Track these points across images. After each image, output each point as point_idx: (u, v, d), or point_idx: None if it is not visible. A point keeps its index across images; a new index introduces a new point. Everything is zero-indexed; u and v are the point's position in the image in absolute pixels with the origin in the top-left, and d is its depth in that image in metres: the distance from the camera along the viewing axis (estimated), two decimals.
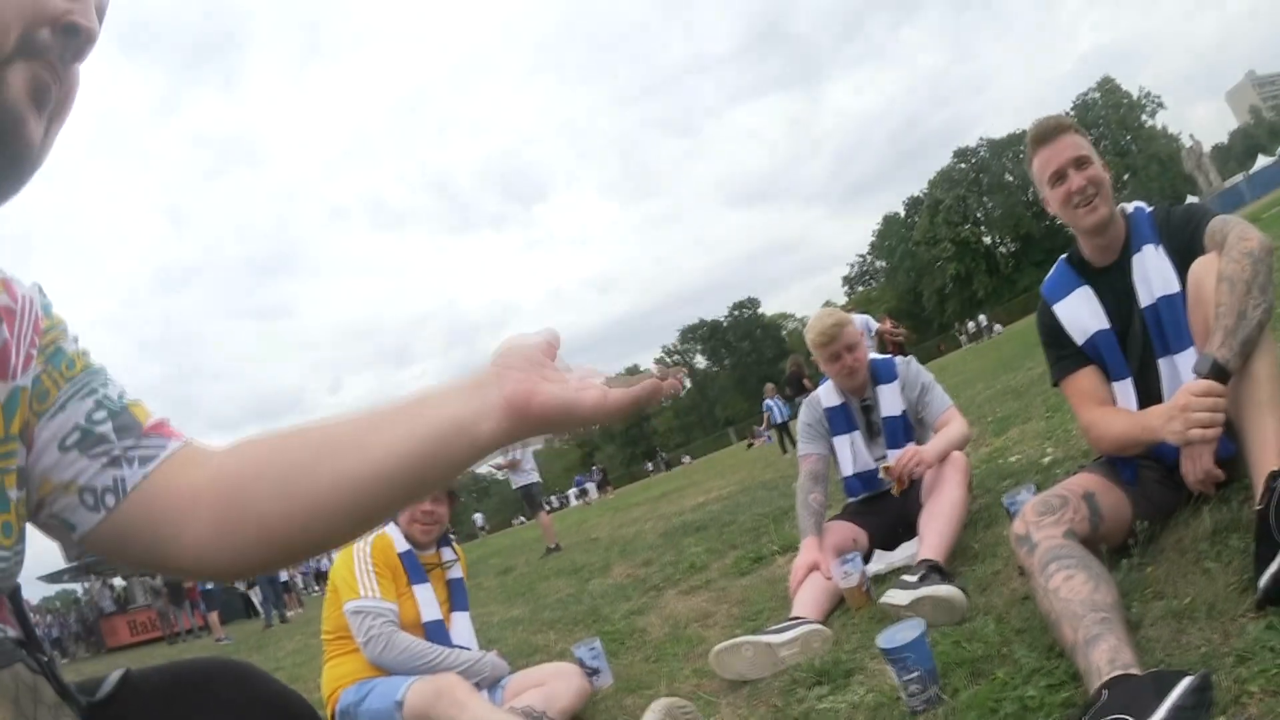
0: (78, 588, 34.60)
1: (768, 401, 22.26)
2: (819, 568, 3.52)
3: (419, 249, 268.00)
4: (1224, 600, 2.12)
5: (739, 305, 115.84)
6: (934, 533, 3.33)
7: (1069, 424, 5.24)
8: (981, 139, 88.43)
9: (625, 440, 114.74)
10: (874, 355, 4.17)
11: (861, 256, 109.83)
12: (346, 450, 0.90)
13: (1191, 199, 60.47)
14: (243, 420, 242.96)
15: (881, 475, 3.74)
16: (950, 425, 3.86)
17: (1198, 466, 2.33)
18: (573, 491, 63.68)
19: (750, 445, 40.22)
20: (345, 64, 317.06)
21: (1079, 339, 2.83)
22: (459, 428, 0.88)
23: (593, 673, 3.59)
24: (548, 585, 8.16)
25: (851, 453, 4.06)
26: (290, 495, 0.90)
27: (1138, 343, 2.75)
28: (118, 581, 28.31)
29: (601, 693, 3.57)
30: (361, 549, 3.40)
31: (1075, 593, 2.05)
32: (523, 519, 26.33)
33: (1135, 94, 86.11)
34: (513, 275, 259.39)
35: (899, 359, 4.16)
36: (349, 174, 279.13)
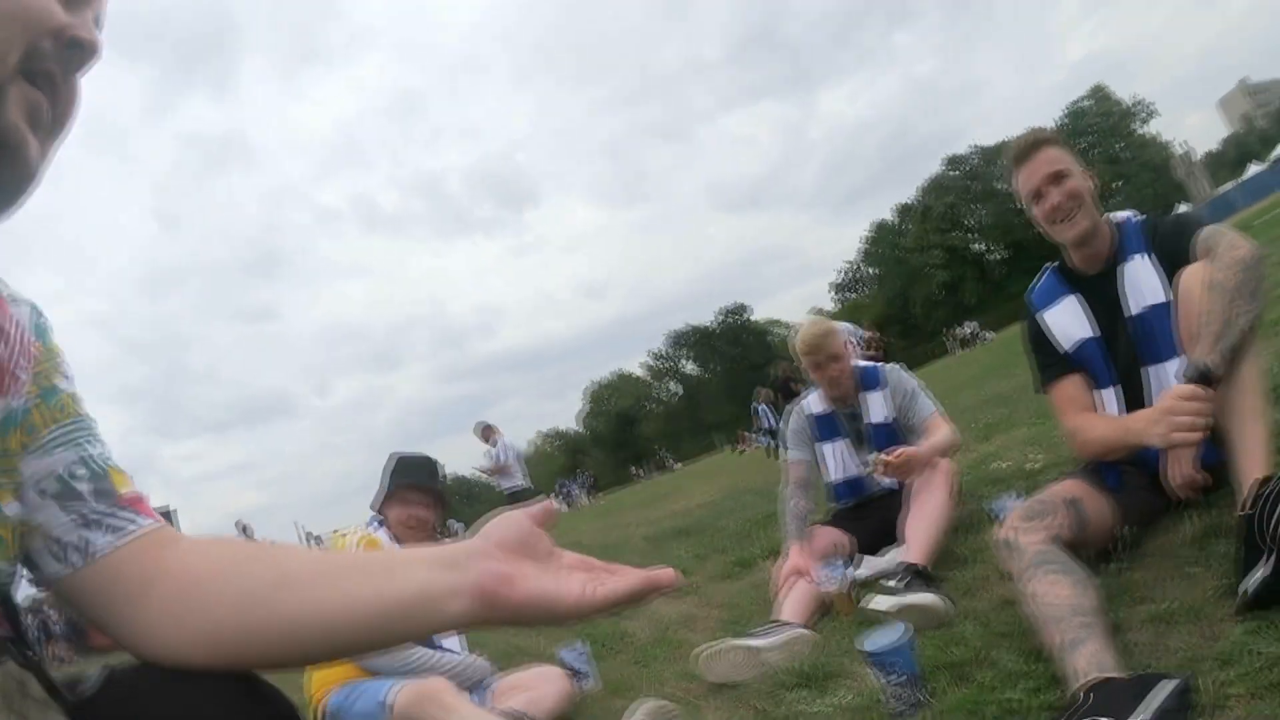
0: None
1: (759, 405, 22.33)
2: (803, 573, 3.54)
3: (409, 252, 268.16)
4: (1207, 604, 2.14)
5: (728, 311, 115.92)
6: (918, 538, 3.35)
7: (1055, 431, 5.25)
8: (973, 146, 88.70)
9: (613, 445, 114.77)
10: (860, 362, 4.20)
11: (851, 263, 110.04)
12: (311, 590, 0.90)
13: (1183, 206, 60.82)
14: (231, 423, 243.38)
15: (871, 462, 3.70)
16: (937, 432, 3.88)
17: (1180, 470, 2.33)
18: (559, 496, 63.66)
19: (741, 451, 40.21)
20: (338, 66, 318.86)
21: (1065, 346, 2.86)
22: (426, 600, 0.87)
23: (578, 675, 3.60)
24: None
25: (838, 460, 4.09)
26: (247, 614, 0.90)
27: (1124, 351, 2.77)
28: None
29: (587, 696, 3.58)
30: (350, 547, 3.40)
31: (1058, 597, 2.07)
32: None
33: (1127, 102, 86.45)
34: (503, 279, 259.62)
35: (885, 365, 4.20)
36: (340, 177, 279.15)
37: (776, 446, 19.64)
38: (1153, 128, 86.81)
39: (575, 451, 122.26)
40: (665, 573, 0.89)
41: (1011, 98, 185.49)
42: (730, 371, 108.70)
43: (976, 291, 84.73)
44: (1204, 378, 2.22)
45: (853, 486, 4.05)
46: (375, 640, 0.92)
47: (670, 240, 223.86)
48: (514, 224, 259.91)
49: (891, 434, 3.99)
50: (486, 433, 13.46)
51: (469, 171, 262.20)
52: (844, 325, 12.72)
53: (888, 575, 3.24)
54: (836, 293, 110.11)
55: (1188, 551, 2.49)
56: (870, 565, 3.78)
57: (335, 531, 4.05)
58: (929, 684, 2.32)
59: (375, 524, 3.56)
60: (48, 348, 0.99)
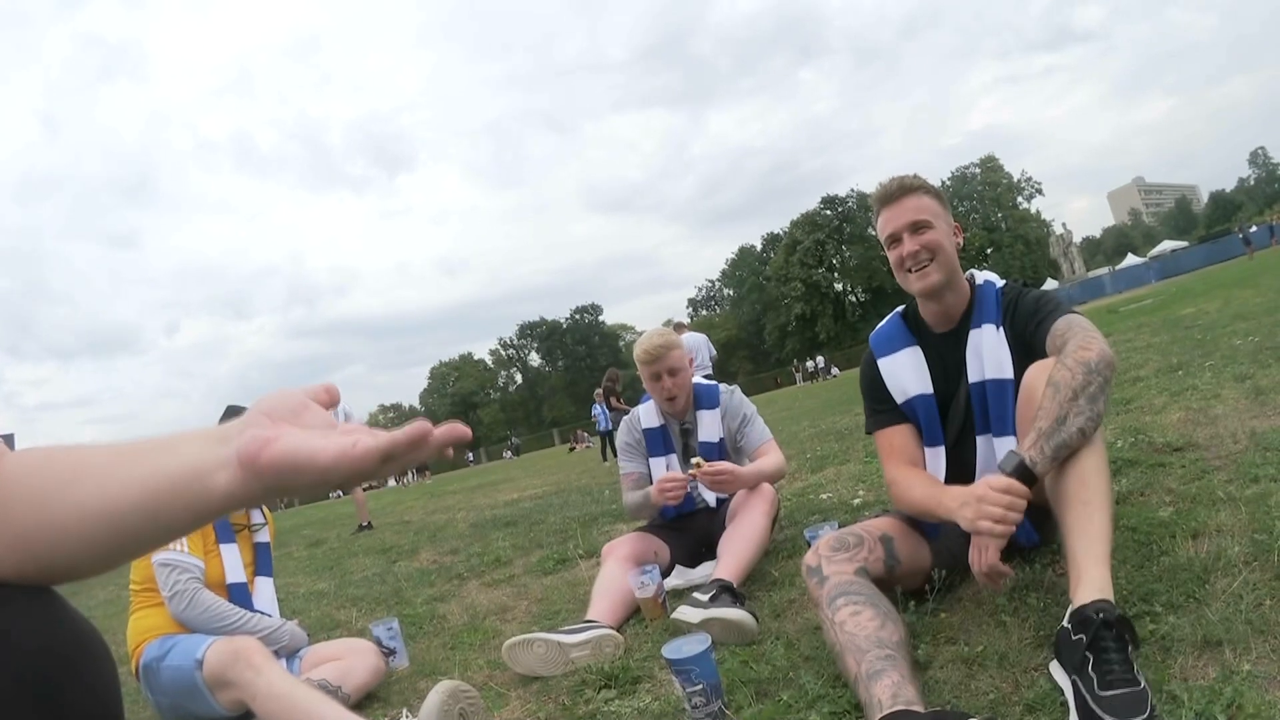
0: None
1: (596, 407, 22.40)
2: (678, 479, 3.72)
3: (276, 199, 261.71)
4: (1016, 652, 2.20)
5: (581, 309, 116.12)
6: (732, 555, 3.42)
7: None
8: (852, 190, 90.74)
9: None
10: (699, 380, 4.25)
11: (710, 282, 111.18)
12: (93, 479, 0.85)
13: (1052, 282, 63.17)
14: (78, 351, 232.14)
15: (693, 463, 3.77)
16: (766, 457, 3.97)
17: (983, 559, 2.20)
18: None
19: (572, 449, 40.26)
20: None
21: (898, 398, 2.80)
22: (195, 475, 0.82)
23: (389, 653, 3.60)
24: (355, 562, 8.09)
25: (665, 474, 4.11)
26: (46, 510, 0.85)
27: (959, 414, 2.73)
28: None
29: (396, 674, 3.59)
30: None
31: (861, 628, 2.10)
32: (339, 493, 25.87)
33: (1016, 176, 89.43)
34: (364, 242, 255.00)
35: (724, 387, 4.24)
36: (226, 107, 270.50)
37: (605, 447, 19.74)
38: (1036, 205, 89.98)
39: None
40: (450, 427, 0.82)
41: (902, 152, 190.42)
42: (574, 369, 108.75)
43: (831, 328, 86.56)
44: (1022, 472, 2.16)
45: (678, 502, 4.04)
46: (157, 523, 0.84)
47: (536, 230, 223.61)
48: (385, 187, 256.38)
49: (721, 454, 4.05)
50: None
51: (351, 125, 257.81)
52: (700, 337, 12.89)
53: (698, 587, 3.29)
54: (692, 308, 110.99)
55: (1002, 600, 2.50)
56: (684, 576, 3.86)
57: None
58: (730, 698, 2.37)
59: None
60: None
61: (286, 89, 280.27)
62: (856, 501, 4.98)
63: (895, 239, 2.70)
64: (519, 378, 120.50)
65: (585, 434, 35.91)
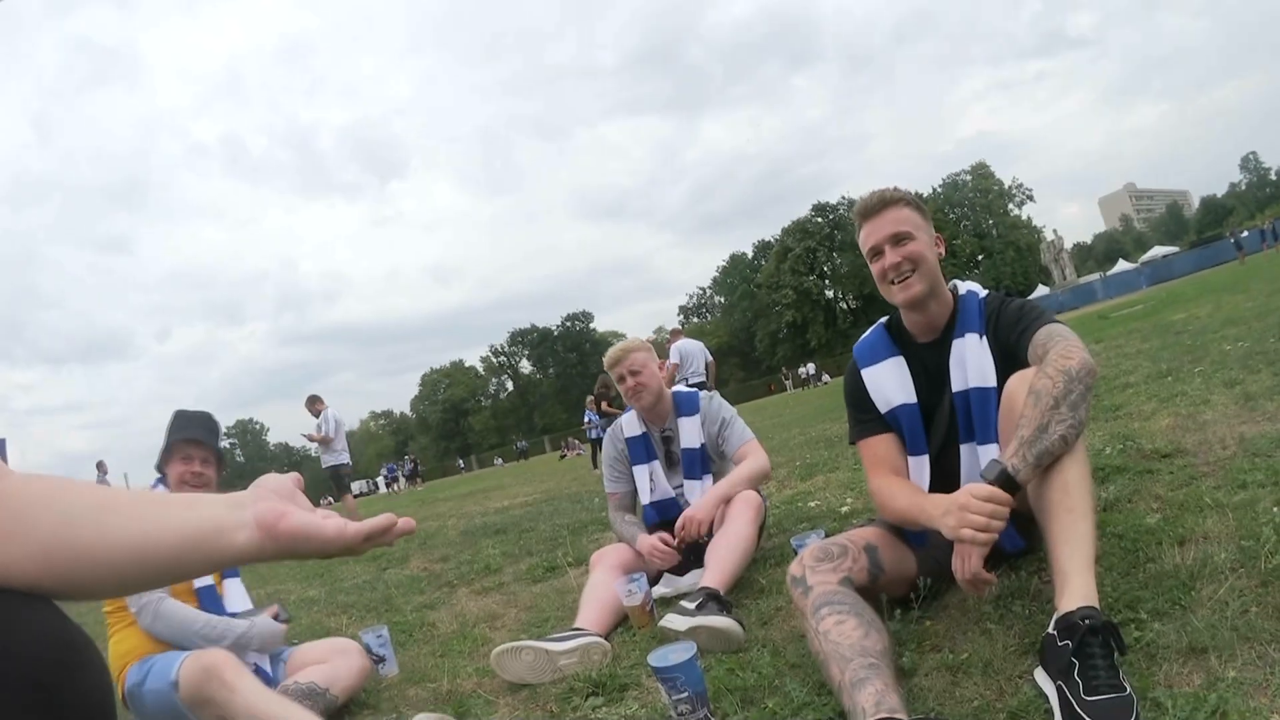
0: None
1: (589, 414, 22.41)
2: (663, 545, 3.76)
3: (268, 204, 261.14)
4: (1001, 660, 2.21)
5: (572, 317, 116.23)
6: (718, 563, 3.44)
7: None
8: (844, 198, 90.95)
9: (441, 434, 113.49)
10: (679, 388, 4.30)
11: (702, 289, 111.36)
12: (127, 514, 0.97)
13: (1043, 288, 63.34)
14: (69, 357, 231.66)
15: (675, 546, 3.82)
16: (749, 459, 3.99)
17: (966, 566, 2.21)
18: (382, 478, 62.74)
19: (563, 456, 40.26)
20: None
21: (882, 408, 2.81)
22: (218, 530, 0.99)
23: (378, 660, 3.60)
24: (346, 569, 8.07)
25: (650, 482, 4.16)
26: (75, 532, 0.94)
27: (943, 423, 2.74)
28: None
29: (386, 681, 3.59)
30: None
31: (845, 637, 2.11)
32: (330, 499, 25.91)
33: (1007, 183, 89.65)
34: (355, 249, 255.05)
35: (702, 393, 4.27)
36: (217, 112, 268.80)
37: (595, 454, 19.78)
38: (1027, 211, 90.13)
39: (403, 435, 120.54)
40: (406, 520, 1.09)
41: (894, 158, 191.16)
42: (565, 376, 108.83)
43: (822, 335, 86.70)
44: (1005, 480, 2.18)
45: (662, 510, 4.10)
46: (180, 564, 1.00)
47: (527, 237, 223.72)
48: (376, 193, 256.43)
49: (703, 459, 4.10)
50: (313, 404, 13.47)
51: (342, 130, 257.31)
52: (695, 345, 12.89)
53: (686, 596, 3.30)
54: (683, 315, 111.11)
55: (987, 608, 2.52)
56: (671, 584, 3.89)
57: None
58: (716, 705, 2.38)
59: (156, 484, 3.48)
60: None
61: (277, 94, 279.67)
62: (844, 509, 5.00)
63: (877, 251, 2.72)
64: (510, 385, 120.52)
65: (576, 441, 35.92)
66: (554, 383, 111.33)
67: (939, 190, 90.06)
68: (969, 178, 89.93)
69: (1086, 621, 1.87)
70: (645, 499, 4.17)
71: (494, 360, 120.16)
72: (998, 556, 2.48)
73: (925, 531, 2.60)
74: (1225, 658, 1.86)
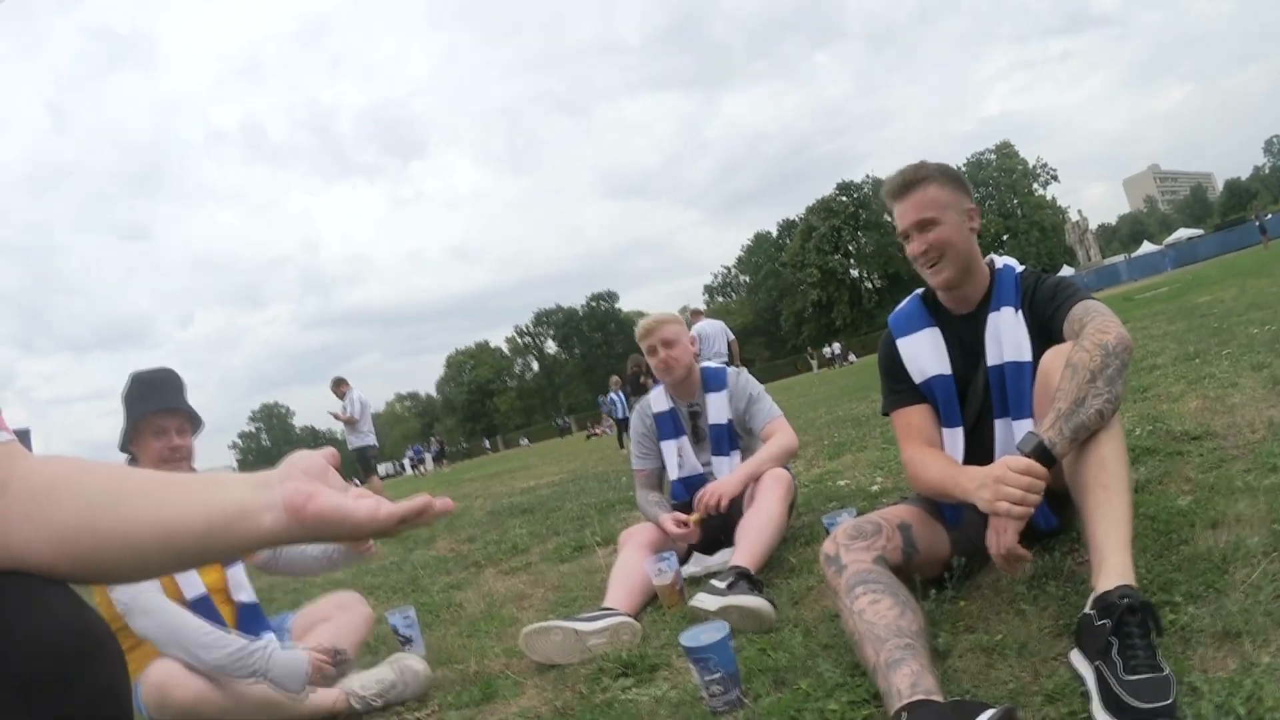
0: None
1: (612, 395, 22.41)
2: (682, 524, 3.70)
3: (288, 188, 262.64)
4: (1036, 641, 2.18)
5: (597, 296, 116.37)
6: (748, 542, 3.41)
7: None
8: (868, 176, 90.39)
9: (466, 415, 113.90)
10: (707, 364, 4.27)
11: (726, 268, 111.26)
12: (150, 499, 0.96)
13: (1068, 269, 63.10)
14: (93, 344, 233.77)
15: (692, 523, 3.74)
16: (776, 436, 3.97)
17: (1001, 541, 2.20)
18: (408, 459, 63.03)
19: (589, 436, 40.33)
20: None
21: (916, 378, 2.80)
22: (243, 513, 0.95)
23: (405, 641, 3.59)
24: None
25: (679, 458, 4.15)
26: (96, 515, 0.93)
27: (977, 397, 2.73)
28: None
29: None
30: None
31: (880, 616, 2.07)
32: (356, 481, 26.05)
33: (1031, 162, 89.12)
34: (377, 230, 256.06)
35: (730, 369, 4.26)
36: (236, 96, 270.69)
37: (622, 434, 19.81)
38: (1051, 191, 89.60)
39: (428, 417, 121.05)
40: (444, 500, 1.01)
41: (917, 136, 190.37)
42: (590, 356, 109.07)
43: (847, 315, 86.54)
44: (1041, 453, 2.16)
45: (690, 486, 4.07)
46: (205, 549, 0.97)
47: (550, 215, 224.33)
48: (397, 174, 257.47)
49: (731, 435, 4.08)
50: (338, 386, 13.60)
51: (362, 112, 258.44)
52: (717, 325, 12.85)
53: (716, 575, 3.27)
54: (708, 295, 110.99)
55: (1021, 589, 2.49)
56: (701, 563, 3.86)
57: None
58: (748, 686, 2.35)
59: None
60: None
61: (296, 76, 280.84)
62: (874, 488, 4.97)
63: (906, 235, 2.73)
64: (535, 365, 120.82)
65: (603, 419, 35.93)
66: (579, 363, 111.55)
67: (963, 169, 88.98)
68: (993, 157, 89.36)
69: (1125, 600, 1.84)
70: (673, 475, 4.16)
71: (519, 341, 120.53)
72: (1032, 535, 2.43)
73: (959, 509, 2.62)
74: (1259, 642, 1.83)
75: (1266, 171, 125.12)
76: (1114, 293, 32.15)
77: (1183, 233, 72.33)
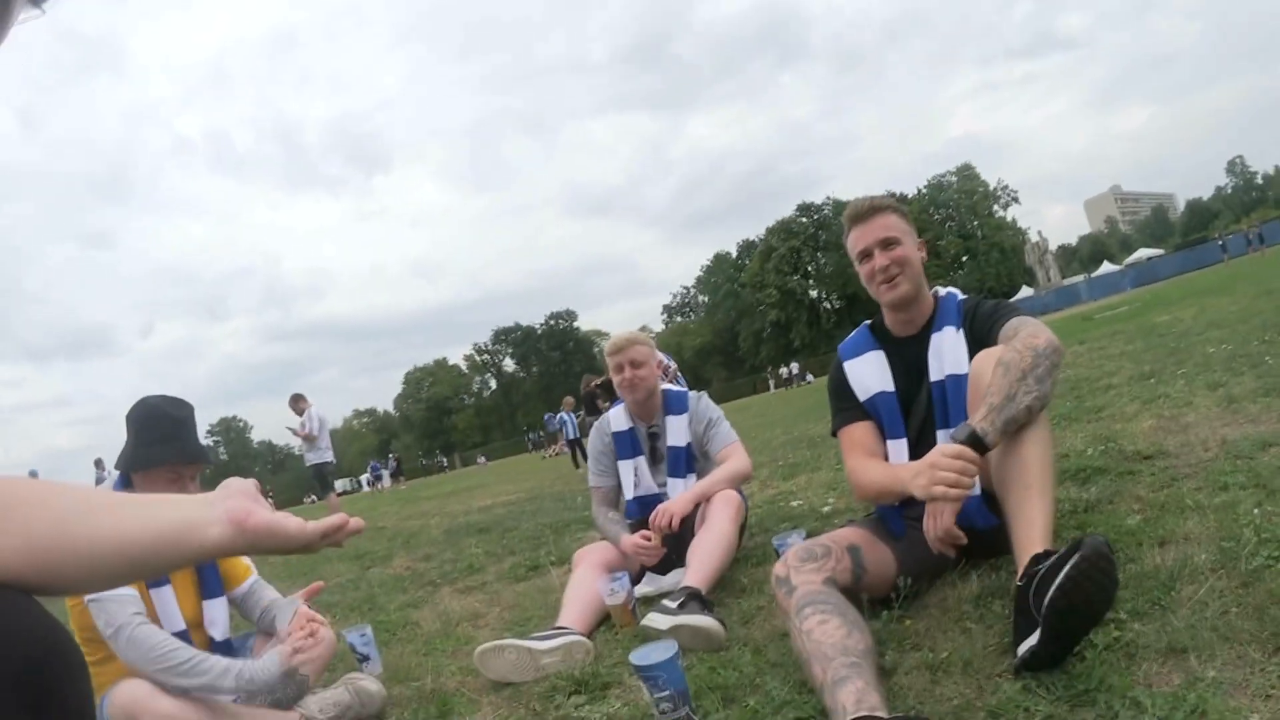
0: None
1: (562, 415, 22.40)
2: (643, 541, 3.73)
3: (252, 199, 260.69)
4: (981, 658, 2.21)
5: (556, 315, 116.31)
6: (699, 563, 3.44)
7: None
8: (829, 198, 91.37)
9: (424, 432, 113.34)
10: (668, 387, 4.31)
11: (685, 288, 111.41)
12: (113, 514, 1.03)
13: (1026, 290, 63.61)
14: (52, 352, 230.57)
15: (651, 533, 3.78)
16: (731, 460, 4.01)
17: (938, 524, 2.36)
18: (365, 476, 62.59)
19: (544, 456, 40.23)
20: None
21: (861, 396, 3.00)
22: (191, 526, 1.07)
23: (362, 659, 3.60)
24: (330, 568, 8.07)
25: (634, 477, 4.18)
26: (66, 529, 0.99)
27: (920, 410, 2.90)
28: None
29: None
30: None
31: (828, 636, 2.12)
32: (314, 497, 25.89)
33: (992, 184, 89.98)
34: (339, 244, 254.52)
35: (691, 393, 4.30)
36: (202, 106, 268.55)
37: (576, 455, 19.75)
38: (1012, 213, 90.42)
39: (386, 433, 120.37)
40: (356, 520, 1.22)
41: (881, 158, 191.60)
42: (548, 375, 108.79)
43: (805, 335, 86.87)
44: (973, 441, 2.30)
45: (645, 505, 4.10)
46: (158, 558, 1.06)
47: (511, 234, 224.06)
48: (361, 188, 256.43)
49: (689, 458, 4.12)
50: (297, 403, 13.54)
51: (328, 124, 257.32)
52: (661, 355, 12.87)
53: (668, 595, 3.32)
54: (667, 314, 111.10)
55: (967, 607, 2.55)
56: (654, 582, 3.90)
57: None
58: (698, 704, 2.38)
59: (119, 485, 3.06)
60: None
61: (263, 86, 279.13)
62: (826, 509, 5.02)
63: (867, 254, 2.92)
64: (493, 383, 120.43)
65: (553, 448, 35.82)
66: (537, 381, 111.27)
67: (924, 191, 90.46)
68: (954, 179, 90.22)
69: (1050, 557, 1.99)
70: (629, 494, 4.19)
71: (477, 358, 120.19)
72: (972, 538, 2.50)
73: (903, 519, 2.77)
74: (1205, 658, 1.87)
75: (1229, 191, 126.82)
76: (1073, 313, 32.42)
77: (1143, 252, 73.05)
